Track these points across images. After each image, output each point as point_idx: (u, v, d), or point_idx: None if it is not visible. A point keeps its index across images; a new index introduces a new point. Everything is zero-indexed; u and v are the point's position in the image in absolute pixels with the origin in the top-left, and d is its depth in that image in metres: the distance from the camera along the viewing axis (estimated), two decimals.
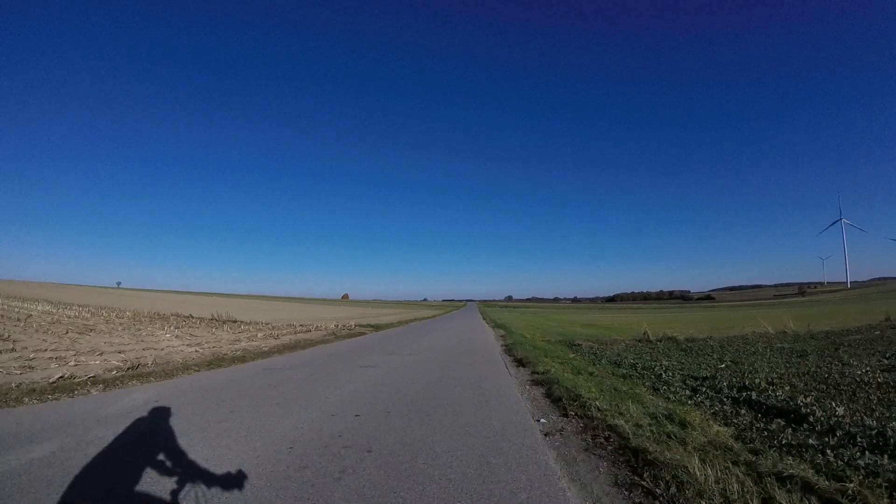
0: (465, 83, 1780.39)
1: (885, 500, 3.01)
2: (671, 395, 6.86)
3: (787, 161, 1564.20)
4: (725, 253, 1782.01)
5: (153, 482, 3.46)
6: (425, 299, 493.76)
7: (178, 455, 4.07)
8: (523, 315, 62.17)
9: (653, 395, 7.06)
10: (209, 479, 3.55)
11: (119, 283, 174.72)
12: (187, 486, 3.37)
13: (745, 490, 3.19)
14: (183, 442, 4.47)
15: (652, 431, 4.70)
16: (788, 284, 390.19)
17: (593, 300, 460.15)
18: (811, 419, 5.09)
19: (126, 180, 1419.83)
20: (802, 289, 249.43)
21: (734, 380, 7.90)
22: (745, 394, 6.66)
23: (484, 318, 39.86)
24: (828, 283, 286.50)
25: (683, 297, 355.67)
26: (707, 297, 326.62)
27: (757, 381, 7.67)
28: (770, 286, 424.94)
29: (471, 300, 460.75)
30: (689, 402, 6.48)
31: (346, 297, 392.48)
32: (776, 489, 3.18)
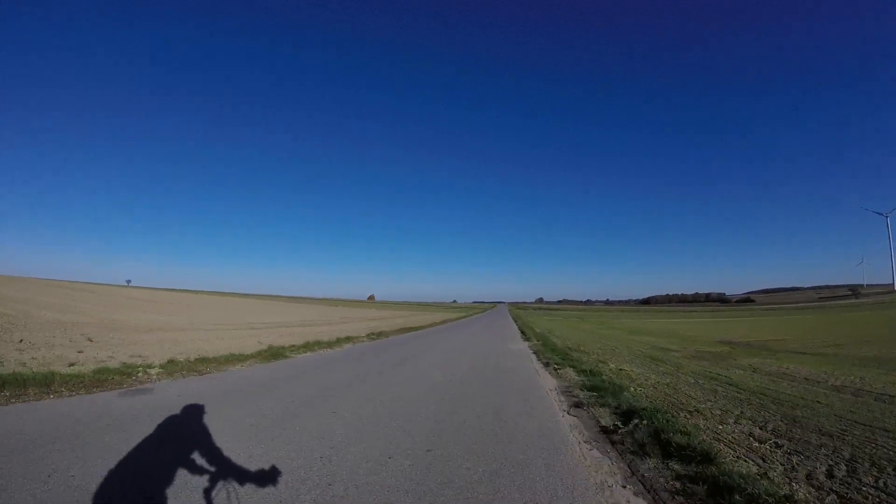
0: (488, 84, 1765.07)
1: None
2: None
3: (825, 161, 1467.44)
4: (760, 254, 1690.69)
5: None
6: (455, 301, 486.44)
7: None
8: (570, 322, 53.15)
9: None
10: None
11: (129, 282, 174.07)
12: None
13: None
14: None
15: None
16: (827, 286, 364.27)
17: (626, 302, 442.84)
18: None
19: (141, 180, 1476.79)
20: (855, 290, 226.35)
21: None
22: None
23: (520, 328, 28.48)
24: (868, 284, 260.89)
25: (721, 300, 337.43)
26: (746, 300, 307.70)
27: None
28: (808, 288, 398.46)
29: (501, 302, 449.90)
30: None
31: (371, 298, 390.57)
32: None
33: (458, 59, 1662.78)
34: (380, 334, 20.90)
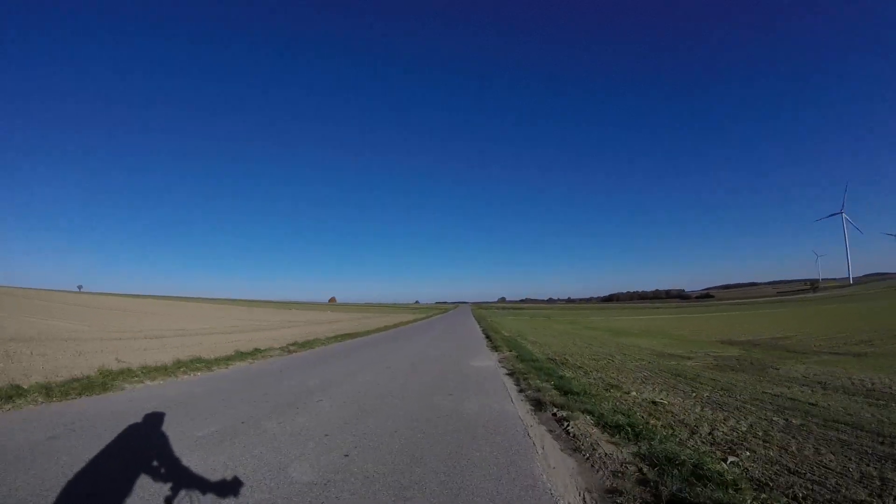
0: (454, 84, 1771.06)
1: None
2: None
3: (780, 159, 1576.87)
4: (717, 251, 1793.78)
5: None
6: (417, 302, 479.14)
7: None
8: (538, 321, 49.16)
9: None
10: None
11: (80, 287, 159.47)
12: None
13: None
14: None
15: None
16: (784, 281, 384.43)
17: (588, 300, 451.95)
18: None
19: (93, 182, 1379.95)
20: (814, 284, 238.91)
21: None
22: None
23: (484, 331, 24.23)
24: (823, 279, 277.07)
25: (681, 296, 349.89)
26: (706, 296, 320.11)
27: None
28: (765, 283, 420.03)
29: (463, 302, 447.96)
30: None
31: (333, 300, 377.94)
32: None
33: (406, 57, 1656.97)
34: (306, 344, 15.70)
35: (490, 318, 48.56)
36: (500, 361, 11.98)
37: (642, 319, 48.97)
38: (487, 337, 20.18)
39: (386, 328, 29.54)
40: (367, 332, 24.43)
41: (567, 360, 12.67)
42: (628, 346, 18.11)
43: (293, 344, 15.23)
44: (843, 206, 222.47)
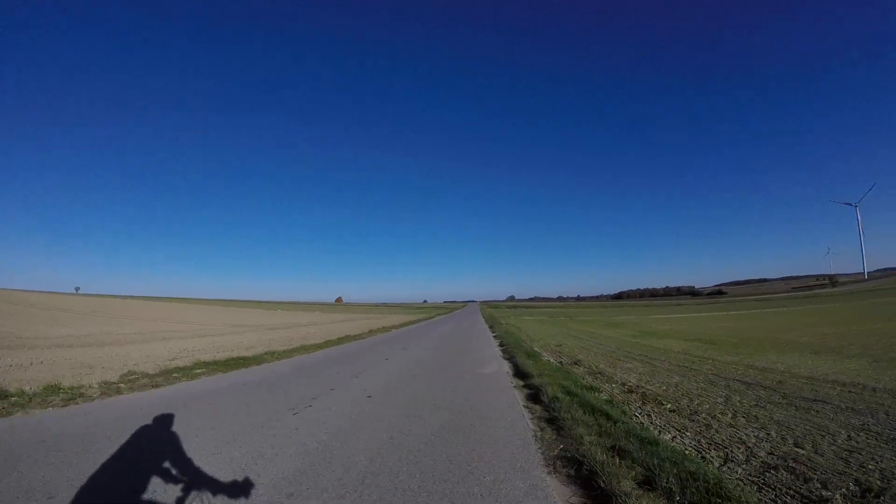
0: (460, 83, 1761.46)
1: None
2: None
3: (789, 155, 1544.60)
4: (726, 248, 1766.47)
5: None
6: (425, 301, 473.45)
7: None
8: (559, 322, 42.66)
9: None
10: None
11: (78, 289, 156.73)
12: None
13: None
14: None
15: None
16: (796, 277, 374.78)
17: (597, 298, 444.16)
18: None
19: (90, 183, 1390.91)
20: (833, 279, 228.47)
21: None
22: None
23: (500, 339, 18.00)
24: (829, 275, 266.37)
25: (692, 293, 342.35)
26: (718, 293, 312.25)
27: None
28: (776, 279, 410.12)
29: (472, 301, 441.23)
30: None
31: (339, 300, 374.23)
32: None
33: (417, 59, 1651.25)
34: (230, 363, 9.69)
35: (502, 320, 41.93)
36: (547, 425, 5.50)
37: (683, 318, 42.14)
38: (503, 348, 13.80)
39: (384, 329, 23.41)
40: (359, 337, 18.34)
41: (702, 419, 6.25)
42: (725, 365, 11.52)
43: (176, 371, 8.98)
44: (859, 199, 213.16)
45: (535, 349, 14.20)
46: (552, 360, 11.39)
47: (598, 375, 9.31)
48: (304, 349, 13.85)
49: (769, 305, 70.82)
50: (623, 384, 8.30)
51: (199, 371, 9.10)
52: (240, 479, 3.44)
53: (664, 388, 7.98)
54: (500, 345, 15.20)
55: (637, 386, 8.02)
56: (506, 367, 9.96)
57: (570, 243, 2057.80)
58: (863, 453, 4.34)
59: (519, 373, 8.87)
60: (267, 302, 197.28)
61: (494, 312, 70.85)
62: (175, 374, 8.66)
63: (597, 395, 6.79)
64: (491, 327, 27.51)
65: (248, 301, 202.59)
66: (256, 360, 10.81)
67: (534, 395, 6.73)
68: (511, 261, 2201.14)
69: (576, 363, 11.13)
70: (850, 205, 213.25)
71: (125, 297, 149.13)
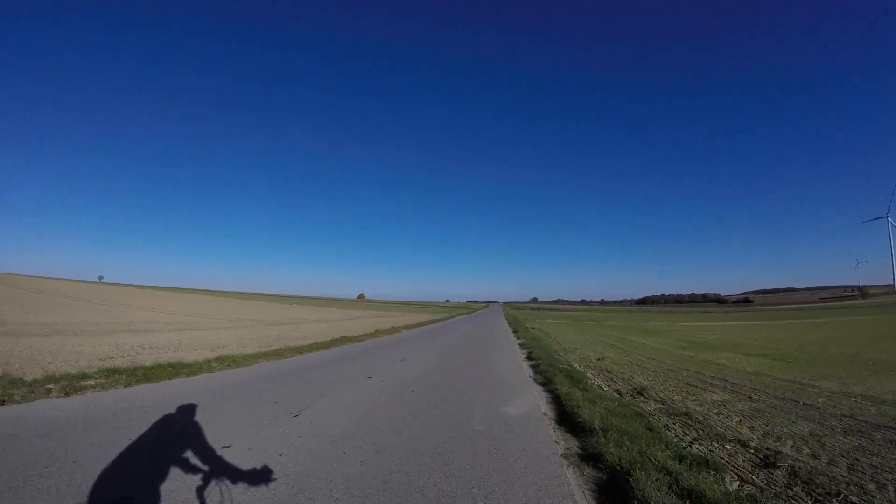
0: (491, 84, 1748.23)
1: None
2: None
3: (820, 162, 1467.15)
4: (752, 255, 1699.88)
5: None
6: (448, 300, 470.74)
7: None
8: (587, 328, 38.96)
9: None
10: None
11: (101, 278, 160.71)
12: None
13: None
14: None
15: None
16: (823, 287, 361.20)
17: (621, 303, 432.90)
18: None
19: (117, 178, 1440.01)
20: (864, 291, 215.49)
21: None
22: None
23: (525, 347, 15.16)
24: (860, 286, 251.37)
25: (718, 301, 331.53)
26: (745, 300, 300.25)
27: None
28: (803, 289, 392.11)
29: (494, 301, 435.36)
30: None
31: (362, 297, 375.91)
32: None
33: (455, 61, 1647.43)
34: (151, 372, 6.86)
35: (530, 324, 38.36)
36: None
37: (720, 327, 37.64)
38: (558, 405, 10.57)
39: (393, 330, 20.45)
40: (359, 338, 15.41)
41: None
42: None
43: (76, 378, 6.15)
44: (888, 209, 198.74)
45: (575, 366, 10.87)
46: (604, 387, 8.08)
47: (686, 420, 5.97)
48: (277, 354, 10.97)
49: (803, 315, 65.13)
50: (742, 443, 4.98)
51: (90, 383, 6.26)
52: None
53: (808, 449, 4.68)
54: (529, 357, 11.91)
55: (770, 452, 4.67)
56: (542, 400, 6.65)
57: (595, 247, 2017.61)
58: None
59: (565, 416, 5.57)
60: (287, 296, 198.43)
61: (518, 314, 67.12)
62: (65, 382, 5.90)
63: (722, 486, 3.49)
64: (515, 332, 24.12)
65: (272, 295, 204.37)
66: (192, 369, 7.93)
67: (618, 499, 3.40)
68: (534, 263, 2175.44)
69: (639, 392, 7.78)
70: (884, 218, 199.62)
71: (146, 286, 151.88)
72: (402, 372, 8.76)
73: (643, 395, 7.64)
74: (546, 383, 7.92)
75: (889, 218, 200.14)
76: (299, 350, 12.23)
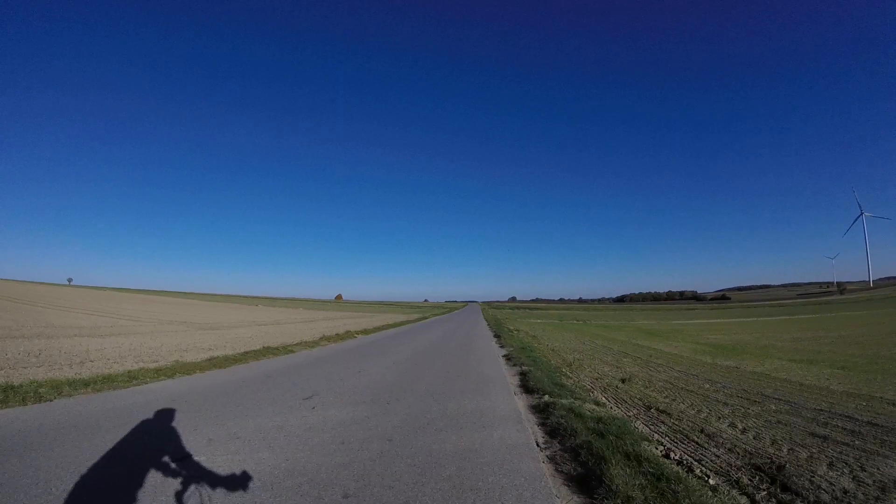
0: (464, 81, 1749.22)
1: None
2: None
3: (792, 160, 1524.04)
4: (728, 252, 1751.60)
5: None
6: (426, 300, 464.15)
7: None
8: (579, 329, 35.09)
9: None
10: None
11: (70, 280, 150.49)
12: None
13: None
14: None
15: None
16: (799, 284, 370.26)
17: (600, 301, 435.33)
18: None
19: (87, 177, 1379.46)
20: (842, 287, 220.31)
21: None
22: None
23: (512, 360, 11.05)
24: (837, 282, 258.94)
25: (696, 298, 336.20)
26: (722, 297, 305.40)
27: None
28: (779, 286, 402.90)
29: (473, 301, 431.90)
30: None
31: (339, 297, 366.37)
32: None
33: (421, 58, 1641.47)
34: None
35: (513, 325, 34.11)
36: None
37: (719, 325, 34.28)
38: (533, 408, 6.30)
39: (337, 337, 15.85)
40: (286, 349, 10.80)
41: None
42: None
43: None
44: (861, 208, 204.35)
45: (599, 397, 6.60)
46: (688, 477, 3.78)
47: None
48: (130, 378, 6.33)
49: (792, 311, 63.59)
50: None
51: None
52: None
53: None
54: (523, 386, 7.50)
55: None
56: None
57: (572, 245, 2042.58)
58: None
59: None
60: (257, 297, 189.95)
61: (498, 314, 62.95)
62: None
63: None
64: (497, 336, 19.80)
65: (242, 296, 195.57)
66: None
67: None
68: (513, 262, 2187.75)
69: (772, 480, 3.53)
70: (859, 217, 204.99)
71: (115, 289, 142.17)
72: (291, 438, 4.30)
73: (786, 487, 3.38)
74: (582, 473, 3.56)
75: (864, 214, 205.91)
76: (188, 369, 7.64)
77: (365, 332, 21.34)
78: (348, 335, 18.53)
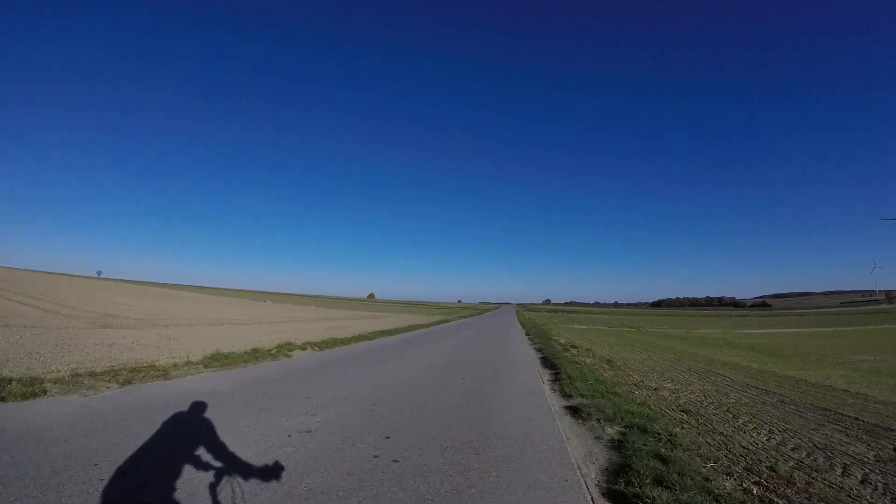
0: (505, 84, 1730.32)
1: None
2: None
3: (835, 164, 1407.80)
4: (767, 259, 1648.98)
5: None
6: (460, 301, 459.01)
7: None
8: (645, 343, 28.51)
9: None
10: None
11: (100, 273, 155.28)
12: None
13: None
14: None
15: None
16: (839, 292, 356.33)
17: (635, 305, 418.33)
18: None
19: (122, 174, 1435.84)
20: (890, 295, 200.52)
21: None
22: None
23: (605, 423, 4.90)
24: (879, 290, 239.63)
25: (735, 304, 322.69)
26: (762, 304, 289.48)
27: None
28: (819, 293, 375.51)
29: (507, 303, 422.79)
30: None
31: (371, 296, 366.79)
32: None
33: (462, 61, 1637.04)
34: None
35: (558, 334, 27.92)
36: None
37: (804, 334, 26.69)
38: None
39: (347, 341, 10.71)
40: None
41: None
42: None
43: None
44: None
45: None
46: None
47: None
48: None
49: (847, 322, 55.98)
50: None
51: None
52: None
53: None
54: None
55: None
56: None
57: (608, 249, 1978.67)
58: None
59: None
60: (284, 294, 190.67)
61: (535, 318, 56.19)
62: None
63: None
64: (539, 350, 13.99)
65: (275, 293, 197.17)
66: None
67: None
68: (548, 264, 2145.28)
69: None
70: None
71: (142, 283, 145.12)
72: None
73: None
74: None
75: None
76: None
77: (383, 333, 16.13)
78: (360, 338, 13.94)
